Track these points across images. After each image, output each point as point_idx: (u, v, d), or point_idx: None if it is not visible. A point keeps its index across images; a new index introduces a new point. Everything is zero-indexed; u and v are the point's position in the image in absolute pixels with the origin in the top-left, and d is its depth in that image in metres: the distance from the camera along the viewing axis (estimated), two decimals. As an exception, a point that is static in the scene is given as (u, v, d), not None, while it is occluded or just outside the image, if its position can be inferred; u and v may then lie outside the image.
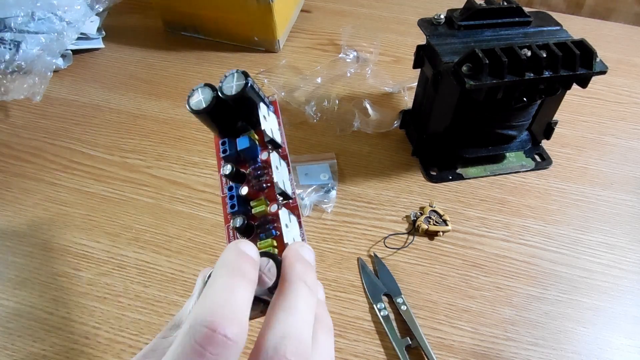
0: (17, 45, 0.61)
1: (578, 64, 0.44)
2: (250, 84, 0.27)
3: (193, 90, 0.28)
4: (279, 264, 0.22)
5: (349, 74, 0.68)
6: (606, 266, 0.47)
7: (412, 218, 0.50)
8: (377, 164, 0.56)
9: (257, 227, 0.28)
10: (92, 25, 0.70)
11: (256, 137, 0.29)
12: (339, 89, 0.66)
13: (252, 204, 0.28)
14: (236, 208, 0.28)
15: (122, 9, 0.78)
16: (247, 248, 0.21)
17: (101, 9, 0.69)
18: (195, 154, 0.57)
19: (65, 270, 0.46)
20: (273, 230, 0.27)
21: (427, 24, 0.50)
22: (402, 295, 0.44)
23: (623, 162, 0.58)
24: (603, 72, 0.45)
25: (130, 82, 0.67)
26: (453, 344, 0.42)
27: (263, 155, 0.29)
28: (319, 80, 0.67)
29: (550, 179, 0.55)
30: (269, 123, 0.29)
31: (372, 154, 0.57)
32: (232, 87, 0.27)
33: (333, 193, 0.52)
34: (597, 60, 0.44)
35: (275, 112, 0.30)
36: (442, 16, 0.50)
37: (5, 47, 0.60)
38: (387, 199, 0.53)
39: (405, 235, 0.49)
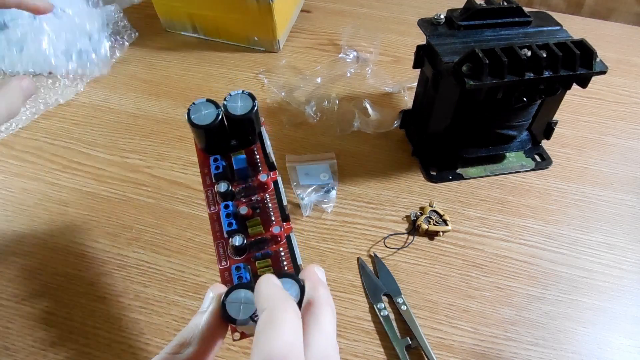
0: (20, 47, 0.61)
1: (578, 64, 0.44)
2: (256, 108, 0.29)
3: (195, 103, 0.29)
4: (302, 287, 0.24)
5: (349, 74, 0.68)
6: (606, 266, 0.47)
7: (412, 218, 0.50)
8: (377, 164, 0.56)
9: (250, 247, 0.28)
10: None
11: (246, 156, 0.30)
12: (339, 89, 0.66)
13: (247, 223, 0.28)
14: (234, 226, 0.28)
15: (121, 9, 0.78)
16: (278, 282, 0.24)
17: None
18: (196, 154, 0.57)
19: (65, 270, 0.46)
20: (268, 251, 0.28)
21: (427, 24, 0.50)
22: (402, 295, 0.44)
23: (623, 162, 0.58)
24: (603, 72, 0.45)
25: (130, 82, 0.67)
26: (453, 344, 0.42)
27: (262, 177, 0.29)
28: (319, 80, 0.67)
29: (550, 179, 0.55)
30: (268, 146, 0.30)
31: (372, 154, 0.57)
32: (237, 107, 0.29)
33: (333, 193, 0.52)
34: (597, 60, 0.44)
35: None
36: (442, 16, 0.50)
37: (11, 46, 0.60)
38: (387, 199, 0.53)
39: (405, 235, 0.49)
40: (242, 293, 0.24)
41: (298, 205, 0.51)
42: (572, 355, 0.41)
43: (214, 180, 0.30)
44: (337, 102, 0.63)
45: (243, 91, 0.30)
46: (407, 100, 0.64)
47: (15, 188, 0.53)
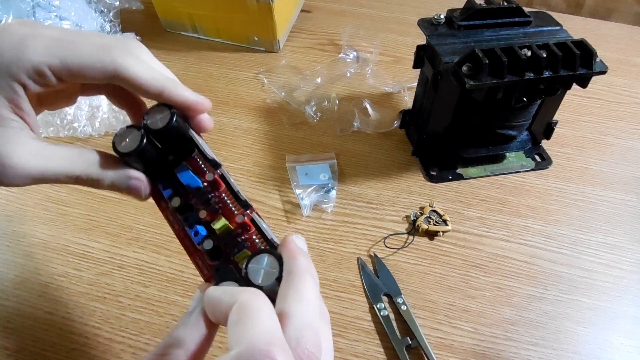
0: None
1: (578, 64, 0.44)
2: (175, 114, 0.28)
3: (116, 135, 0.29)
4: (279, 258, 0.24)
5: (349, 74, 0.68)
6: (606, 266, 0.47)
7: (412, 218, 0.50)
8: (377, 164, 0.56)
9: (225, 246, 0.28)
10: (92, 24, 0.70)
11: (189, 167, 0.30)
12: (339, 89, 0.66)
13: (213, 225, 0.28)
14: (201, 234, 0.28)
15: (121, 9, 0.77)
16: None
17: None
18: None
19: (65, 270, 0.46)
20: (245, 242, 0.28)
21: (427, 24, 0.50)
22: (402, 295, 0.44)
23: (623, 162, 0.58)
24: (603, 72, 0.45)
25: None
26: (453, 344, 0.42)
27: (209, 177, 0.29)
28: (319, 80, 0.67)
29: (550, 179, 0.55)
30: (203, 145, 0.30)
31: (372, 154, 0.57)
32: (157, 121, 0.28)
33: (333, 193, 0.52)
34: (597, 60, 0.44)
35: (197, 133, 0.30)
36: (442, 16, 0.50)
37: None
38: (387, 199, 0.53)
39: (405, 235, 0.49)
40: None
41: (298, 205, 0.51)
42: (572, 355, 0.41)
43: (169, 202, 0.30)
44: (337, 102, 0.63)
45: (158, 104, 0.29)
46: (407, 100, 0.64)
47: (16, 188, 0.53)
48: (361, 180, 0.54)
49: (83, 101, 0.54)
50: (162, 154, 0.30)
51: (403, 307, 0.43)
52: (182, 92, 0.30)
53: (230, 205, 0.28)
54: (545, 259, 0.48)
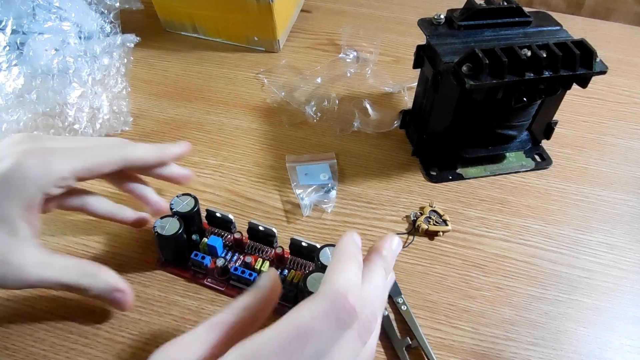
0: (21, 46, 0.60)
1: (578, 64, 0.44)
2: (197, 199, 0.43)
3: (156, 225, 0.41)
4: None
5: (349, 74, 0.68)
6: (606, 266, 0.47)
7: (412, 218, 0.50)
8: (377, 164, 0.56)
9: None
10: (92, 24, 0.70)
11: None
12: (339, 89, 0.66)
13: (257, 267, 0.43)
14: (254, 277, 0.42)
15: (121, 9, 0.77)
16: (357, 240, 0.30)
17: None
18: (196, 154, 0.57)
19: (65, 270, 0.46)
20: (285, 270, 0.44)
21: (427, 24, 0.50)
22: (402, 295, 0.44)
23: (623, 162, 0.58)
24: (603, 72, 0.45)
25: (130, 82, 0.67)
26: (453, 344, 0.42)
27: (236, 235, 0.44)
28: (319, 80, 0.67)
29: (550, 179, 0.55)
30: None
31: (372, 154, 0.57)
32: (185, 206, 0.43)
33: (333, 193, 0.52)
34: (597, 60, 0.44)
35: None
36: (442, 16, 0.50)
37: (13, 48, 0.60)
38: (387, 199, 0.53)
39: (405, 235, 0.49)
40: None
41: (298, 205, 0.51)
42: (572, 355, 0.41)
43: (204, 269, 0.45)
44: (337, 102, 0.63)
45: (180, 195, 0.43)
46: (407, 100, 0.64)
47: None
48: (361, 180, 0.54)
49: (84, 102, 0.54)
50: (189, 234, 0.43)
51: (403, 307, 0.43)
52: (171, 149, 0.42)
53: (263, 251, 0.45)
54: (545, 259, 0.48)
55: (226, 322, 0.27)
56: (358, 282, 0.26)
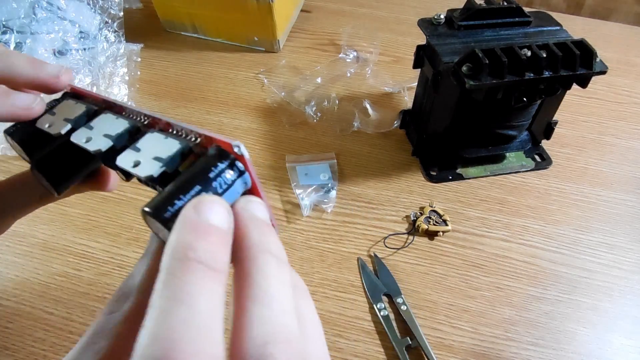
0: (19, 45, 0.61)
1: (578, 64, 0.44)
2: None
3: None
4: (166, 226, 0.16)
5: (349, 74, 0.68)
6: (606, 266, 0.47)
7: (412, 218, 0.50)
8: (377, 164, 0.56)
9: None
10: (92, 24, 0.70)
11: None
12: (339, 89, 0.66)
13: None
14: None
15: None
16: (212, 211, 0.15)
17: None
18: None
19: (65, 270, 0.46)
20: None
21: (427, 24, 0.50)
22: (402, 295, 0.44)
23: (623, 162, 0.58)
24: (603, 72, 0.45)
25: (130, 82, 0.67)
26: (453, 344, 0.42)
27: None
28: (319, 80, 0.67)
29: (550, 179, 0.55)
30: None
31: (372, 154, 0.57)
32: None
33: (333, 193, 0.52)
34: (597, 60, 0.44)
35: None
36: (442, 16, 0.50)
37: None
38: (387, 199, 0.53)
39: (405, 235, 0.49)
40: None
41: (298, 205, 0.51)
42: (572, 355, 0.41)
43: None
44: (337, 102, 0.63)
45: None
46: (407, 100, 0.64)
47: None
48: (361, 180, 0.54)
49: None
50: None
51: (403, 307, 0.43)
52: (49, 69, 0.25)
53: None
54: (545, 259, 0.48)
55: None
56: (194, 319, 0.13)
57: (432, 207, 0.51)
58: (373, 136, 0.59)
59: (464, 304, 0.44)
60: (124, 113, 0.23)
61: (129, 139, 0.21)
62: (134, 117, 0.22)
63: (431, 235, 0.49)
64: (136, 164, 0.18)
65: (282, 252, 0.17)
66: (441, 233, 0.49)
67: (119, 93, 0.59)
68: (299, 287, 0.18)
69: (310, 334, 0.16)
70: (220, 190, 0.17)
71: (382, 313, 0.43)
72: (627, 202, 0.53)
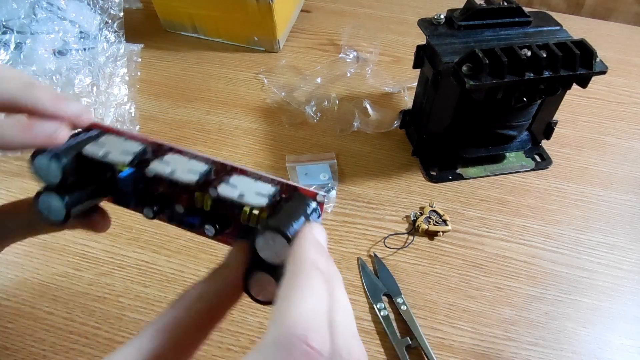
0: (20, 46, 0.61)
1: (578, 64, 0.44)
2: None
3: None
4: (288, 240, 0.20)
5: (349, 74, 0.68)
6: (606, 266, 0.47)
7: (412, 218, 0.50)
8: (377, 164, 0.56)
9: (225, 210, 0.25)
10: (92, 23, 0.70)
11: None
12: (339, 89, 0.66)
13: (197, 205, 0.26)
14: (195, 222, 0.26)
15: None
16: (322, 237, 0.22)
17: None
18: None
19: (65, 270, 0.46)
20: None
21: (427, 24, 0.50)
22: (402, 295, 0.44)
23: (623, 162, 0.58)
24: (603, 72, 0.45)
25: (130, 82, 0.67)
26: (453, 344, 0.42)
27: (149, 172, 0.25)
28: (319, 80, 0.67)
29: (550, 179, 0.55)
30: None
31: (372, 154, 0.57)
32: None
33: (333, 193, 0.52)
34: (597, 60, 0.44)
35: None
36: (442, 16, 0.50)
37: (6, 48, 0.60)
38: (387, 199, 0.53)
39: (405, 235, 0.49)
40: None
41: (298, 205, 0.51)
42: (572, 355, 0.41)
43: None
44: (337, 102, 0.63)
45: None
46: (407, 100, 0.64)
47: (15, 188, 0.53)
48: (361, 180, 0.54)
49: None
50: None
51: (403, 307, 0.43)
52: (70, 106, 0.26)
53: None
54: (545, 259, 0.48)
55: (172, 323, 0.20)
56: (323, 309, 0.18)
57: (432, 207, 0.51)
58: (373, 136, 0.59)
59: (464, 304, 0.44)
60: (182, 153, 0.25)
61: (209, 176, 0.25)
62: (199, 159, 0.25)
63: (431, 235, 0.49)
64: (241, 196, 0.23)
65: (329, 272, 0.20)
66: (441, 233, 0.49)
67: (119, 93, 0.59)
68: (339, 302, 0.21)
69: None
70: (311, 220, 0.23)
71: (382, 313, 0.43)
72: (627, 202, 0.53)
